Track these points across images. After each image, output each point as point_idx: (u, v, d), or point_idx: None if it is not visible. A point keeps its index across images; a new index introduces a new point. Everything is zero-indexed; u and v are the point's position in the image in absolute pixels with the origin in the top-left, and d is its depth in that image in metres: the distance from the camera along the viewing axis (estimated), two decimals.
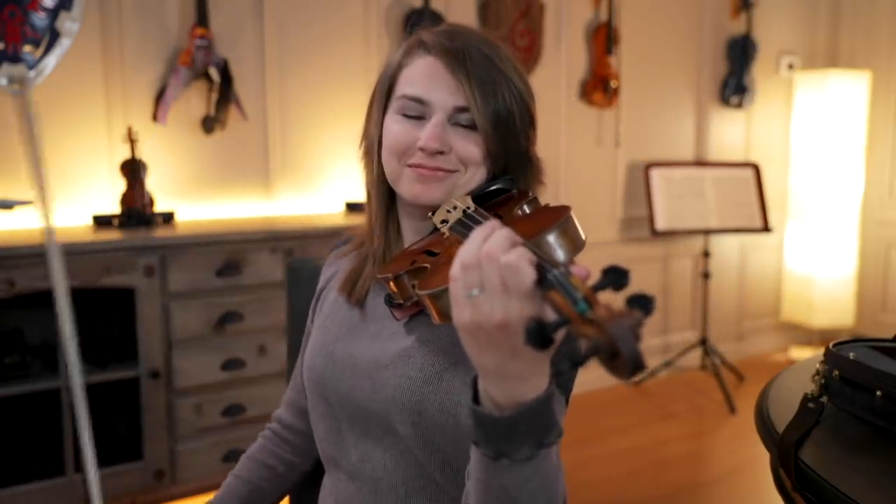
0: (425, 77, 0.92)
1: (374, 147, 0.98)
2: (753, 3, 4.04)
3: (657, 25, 3.89)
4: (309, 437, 1.10)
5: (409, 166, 0.92)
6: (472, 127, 0.92)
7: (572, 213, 0.80)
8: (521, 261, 0.62)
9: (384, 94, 0.97)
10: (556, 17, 3.59)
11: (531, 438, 0.67)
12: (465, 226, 0.85)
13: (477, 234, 0.65)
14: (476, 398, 0.70)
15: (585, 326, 0.55)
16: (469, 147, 0.92)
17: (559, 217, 0.78)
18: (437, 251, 0.86)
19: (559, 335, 0.59)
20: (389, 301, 0.93)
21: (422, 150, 0.91)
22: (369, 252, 1.01)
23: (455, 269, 0.65)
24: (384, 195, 0.99)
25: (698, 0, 4.00)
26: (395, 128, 0.94)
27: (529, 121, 0.95)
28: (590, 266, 0.63)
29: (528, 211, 0.88)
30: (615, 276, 0.58)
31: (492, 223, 0.67)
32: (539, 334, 0.56)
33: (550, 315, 0.61)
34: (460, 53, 0.91)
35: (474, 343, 0.65)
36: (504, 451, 0.68)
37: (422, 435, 0.91)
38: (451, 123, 0.92)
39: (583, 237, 0.79)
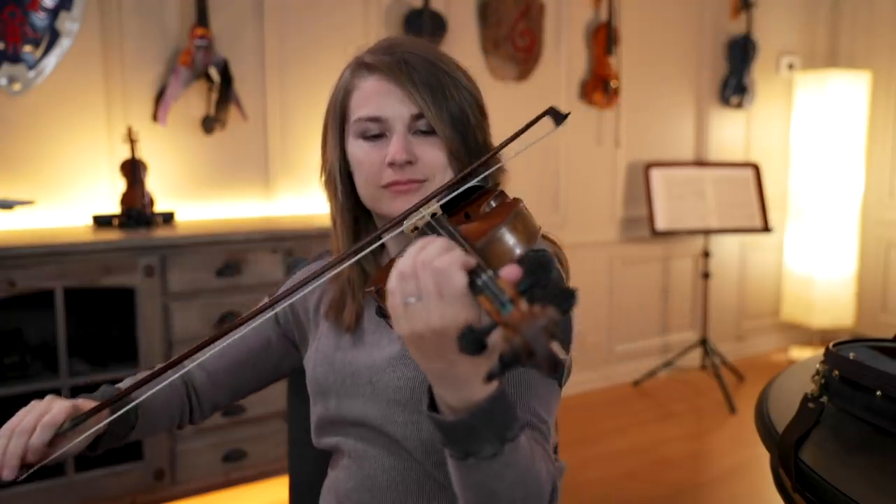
0: (375, 95, 0.94)
1: (336, 174, 1.00)
2: (753, 3, 4.04)
3: (657, 25, 3.89)
4: (209, 406, 1.16)
5: (384, 187, 0.94)
6: (431, 132, 0.93)
7: (522, 205, 0.82)
8: (451, 266, 0.63)
9: (338, 121, 0.99)
10: (556, 17, 3.59)
11: (492, 435, 0.70)
12: (433, 229, 0.85)
13: (416, 244, 0.67)
14: (434, 404, 0.72)
15: (506, 330, 0.56)
16: (433, 152, 0.94)
17: (509, 211, 0.80)
18: None
19: (493, 339, 0.59)
20: (381, 313, 0.94)
21: (391, 164, 0.92)
22: (348, 276, 1.02)
23: (392, 280, 0.67)
24: (349, 220, 1.01)
25: (698, 0, 4.00)
26: (359, 154, 0.96)
27: (482, 113, 0.98)
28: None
29: (494, 206, 0.90)
30: (539, 273, 0.60)
31: (433, 235, 0.69)
32: (469, 339, 0.57)
33: (486, 319, 0.62)
34: (402, 64, 0.93)
35: (418, 351, 0.67)
36: (469, 450, 0.70)
37: (420, 435, 0.93)
38: (411, 133, 0.93)
39: (536, 225, 0.82)
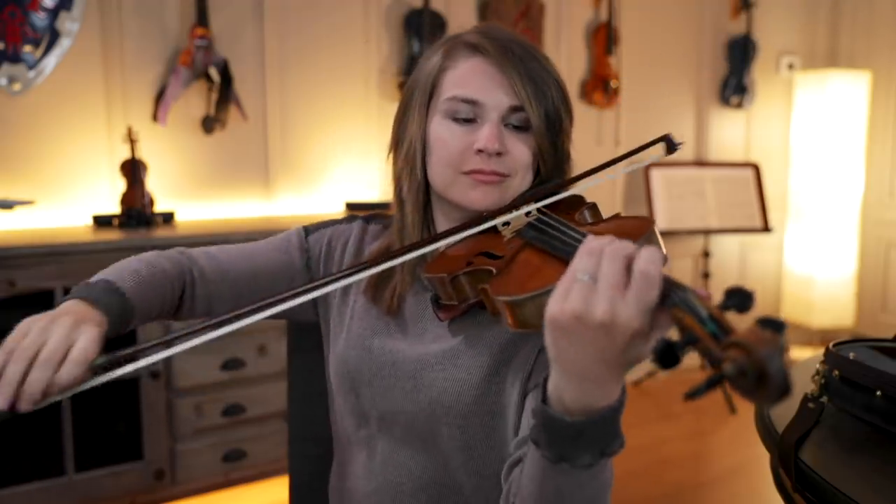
0: (475, 77, 0.89)
1: (418, 152, 0.93)
2: (753, 3, 4.04)
3: (657, 25, 3.89)
4: (203, 307, 0.99)
5: (465, 173, 0.89)
6: (523, 128, 0.90)
7: (655, 225, 0.78)
8: (658, 274, 0.59)
9: (427, 96, 0.93)
10: (556, 17, 3.59)
11: (595, 447, 0.66)
12: (538, 230, 0.82)
13: (604, 236, 0.64)
14: (544, 398, 0.68)
15: (726, 350, 0.53)
16: (522, 149, 0.90)
17: (647, 228, 0.75)
18: (500, 254, 0.83)
19: (685, 355, 0.57)
20: (436, 301, 0.90)
21: (480, 152, 0.88)
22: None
23: (576, 258, 0.63)
24: (422, 202, 0.96)
25: (698, 0, 4.00)
26: (445, 134, 0.90)
27: (570, 119, 0.95)
28: None
29: (588, 218, 0.87)
30: (740, 298, 0.57)
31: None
32: (668, 354, 0.55)
33: (661, 331, 0.60)
34: (509, 52, 0.89)
35: (564, 337, 0.61)
36: (566, 455, 0.66)
37: (465, 439, 0.89)
38: (503, 125, 0.89)
39: (664, 251, 0.77)
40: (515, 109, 0.89)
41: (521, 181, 0.91)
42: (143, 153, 2.65)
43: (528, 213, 0.85)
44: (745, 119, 4.28)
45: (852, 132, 4.16)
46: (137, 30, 2.68)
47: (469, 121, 0.90)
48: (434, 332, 0.93)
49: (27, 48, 2.50)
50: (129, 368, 0.79)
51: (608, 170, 0.91)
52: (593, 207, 0.90)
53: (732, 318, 0.57)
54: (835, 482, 0.88)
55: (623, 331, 0.59)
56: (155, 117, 2.71)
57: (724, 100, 4.14)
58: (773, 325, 0.53)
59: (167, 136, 2.75)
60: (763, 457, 1.06)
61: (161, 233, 2.45)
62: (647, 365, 3.95)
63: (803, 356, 3.86)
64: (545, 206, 0.87)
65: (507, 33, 0.92)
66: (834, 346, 1.12)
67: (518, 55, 0.89)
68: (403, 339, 0.95)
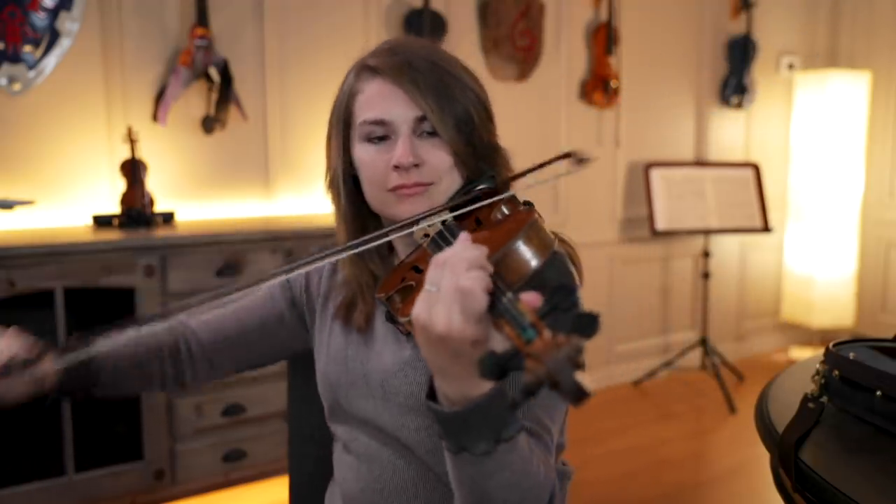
0: (379, 98, 0.92)
1: (339, 179, 0.98)
2: (753, 3, 4.04)
3: (657, 25, 3.89)
4: (206, 370, 1.11)
5: (391, 191, 0.93)
6: (436, 134, 0.92)
7: (537, 215, 0.80)
8: (476, 286, 0.64)
9: (342, 124, 0.97)
10: (556, 17, 3.58)
11: (487, 432, 0.70)
12: (436, 244, 0.85)
13: (460, 242, 0.70)
14: (433, 395, 0.74)
15: (528, 359, 0.55)
16: (439, 155, 0.92)
17: (525, 222, 0.78)
18: (423, 267, 0.85)
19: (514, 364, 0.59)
20: (390, 318, 0.93)
21: (396, 167, 0.91)
22: (357, 279, 1.01)
23: (430, 263, 0.69)
24: (357, 227, 0.99)
25: (698, 0, 4.00)
26: (365, 158, 0.94)
27: (486, 114, 0.96)
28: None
29: (506, 212, 0.88)
30: (560, 297, 0.59)
31: (463, 241, 0.70)
32: (493, 366, 0.57)
33: (497, 342, 0.64)
34: (405, 66, 0.91)
35: (421, 340, 0.69)
36: (463, 445, 0.71)
37: (432, 441, 0.93)
38: (416, 135, 0.92)
39: (551, 236, 0.80)
40: (422, 119, 0.91)
41: (450, 184, 0.93)
42: (143, 153, 2.65)
43: (444, 221, 0.87)
44: (745, 119, 4.28)
45: (852, 132, 4.16)
46: (137, 30, 2.68)
47: (384, 138, 0.93)
48: (397, 343, 0.99)
49: (27, 48, 2.50)
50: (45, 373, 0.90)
51: (515, 184, 0.93)
52: (511, 200, 0.89)
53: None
54: (835, 482, 0.88)
55: (460, 339, 0.65)
56: (155, 117, 2.71)
57: (724, 100, 4.14)
58: (583, 324, 0.55)
59: (167, 136, 2.75)
60: (763, 457, 1.06)
61: (161, 233, 2.45)
62: (646, 365, 3.95)
63: (803, 356, 3.86)
64: (457, 204, 0.89)
65: (408, 46, 0.95)
66: (834, 346, 1.12)
67: (416, 66, 0.91)
68: (373, 353, 1.01)
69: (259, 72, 2.91)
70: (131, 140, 2.59)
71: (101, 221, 2.56)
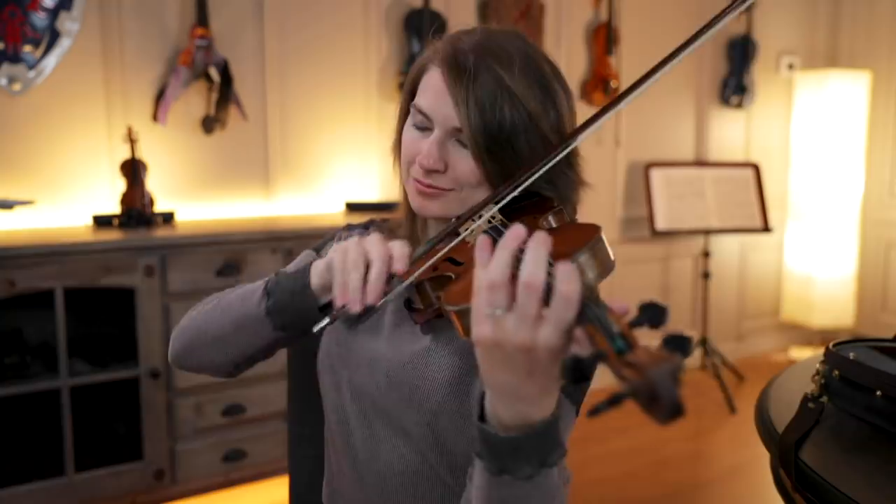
0: (431, 91, 0.90)
1: (398, 145, 0.97)
2: (753, 3, 4.04)
3: (657, 25, 3.89)
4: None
5: (414, 179, 0.92)
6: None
7: (602, 233, 0.76)
8: (576, 296, 0.59)
9: (407, 98, 0.96)
10: (556, 17, 3.59)
11: (534, 458, 0.67)
12: (492, 238, 0.82)
13: (503, 252, 0.62)
14: (482, 414, 0.69)
15: (624, 368, 0.53)
16: (468, 167, 0.89)
17: (590, 237, 0.74)
18: (462, 260, 0.84)
19: (594, 371, 0.58)
20: (409, 305, 0.92)
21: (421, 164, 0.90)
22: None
23: (480, 285, 0.63)
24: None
25: (698, 0, 4.00)
26: (405, 137, 0.94)
27: (540, 138, 0.90)
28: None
29: (553, 224, 0.86)
30: (653, 314, 0.57)
31: (515, 234, 0.64)
32: (576, 370, 0.56)
33: (582, 347, 0.60)
34: (465, 70, 0.86)
35: (489, 360, 0.63)
36: (506, 467, 0.67)
37: (435, 437, 0.91)
38: (451, 140, 0.90)
39: (612, 259, 0.77)
40: (459, 130, 0.88)
41: (471, 194, 0.91)
42: (143, 153, 2.65)
43: (490, 220, 0.86)
44: (745, 119, 4.28)
45: (852, 132, 4.16)
46: (137, 30, 2.68)
47: (425, 129, 0.92)
48: (409, 333, 0.95)
49: (27, 48, 2.50)
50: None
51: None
52: (559, 212, 0.88)
53: (646, 334, 0.58)
54: (835, 482, 0.88)
55: (545, 351, 0.60)
56: (155, 117, 2.71)
57: (724, 100, 4.14)
58: (678, 343, 0.53)
59: (167, 136, 2.75)
60: (763, 457, 1.07)
61: (161, 233, 2.45)
62: None
63: (803, 356, 3.86)
64: (510, 211, 0.86)
65: (476, 40, 0.90)
66: (834, 346, 1.12)
67: (476, 75, 0.86)
68: (382, 340, 0.97)
69: (259, 72, 2.91)
70: (131, 140, 2.59)
71: (101, 221, 2.56)
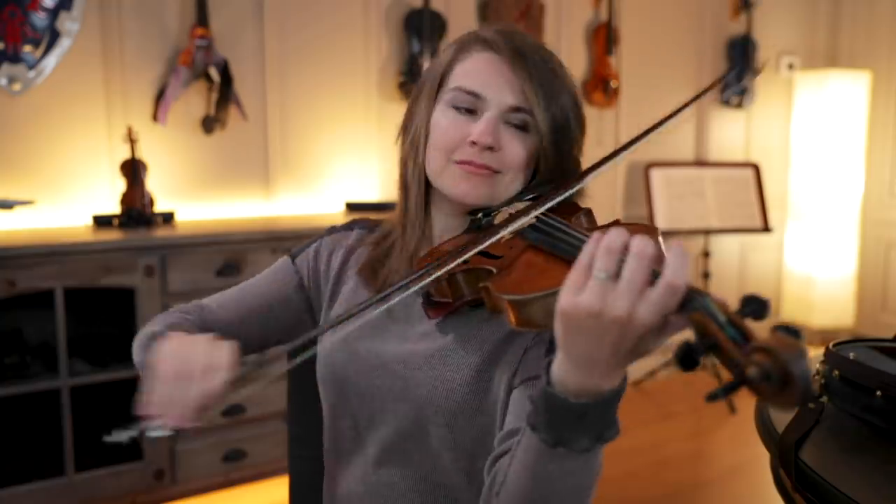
0: (484, 72, 0.90)
1: (422, 139, 0.94)
2: (753, 3, 4.04)
3: (657, 25, 3.89)
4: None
5: (457, 163, 0.90)
6: (522, 128, 0.90)
7: (660, 234, 0.78)
8: (683, 285, 0.60)
9: (435, 85, 0.95)
10: (556, 17, 3.59)
11: (593, 431, 0.68)
12: (541, 232, 0.81)
13: (618, 229, 0.64)
14: (549, 382, 0.69)
15: (751, 354, 0.54)
16: (517, 149, 0.90)
17: (654, 234, 0.75)
18: (498, 254, 0.83)
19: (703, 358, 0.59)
20: (428, 298, 0.91)
21: (473, 143, 0.89)
22: (398, 245, 0.98)
23: (593, 247, 0.63)
24: (424, 186, 0.96)
25: (698, 0, 4.00)
26: (443, 122, 0.92)
27: (580, 125, 0.94)
28: None
29: (585, 224, 0.86)
30: (756, 306, 0.59)
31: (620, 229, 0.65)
32: (689, 358, 0.57)
33: (675, 330, 0.62)
34: (523, 53, 0.89)
35: (576, 328, 0.63)
36: (564, 438, 0.68)
37: (454, 437, 0.89)
38: (502, 122, 0.90)
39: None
40: (517, 110, 0.89)
41: (513, 180, 0.91)
42: (143, 153, 2.65)
43: (538, 217, 0.85)
44: (745, 119, 4.28)
45: (852, 132, 4.16)
46: (137, 30, 2.68)
47: (470, 111, 0.91)
48: (422, 330, 0.93)
49: (27, 48, 2.50)
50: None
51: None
52: (589, 213, 0.89)
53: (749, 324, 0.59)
54: (835, 482, 0.88)
55: (637, 328, 0.61)
56: (155, 117, 2.71)
57: (724, 100, 4.14)
58: (791, 332, 0.55)
59: (167, 136, 2.75)
60: (763, 457, 1.06)
61: (161, 233, 2.45)
62: (647, 365, 3.95)
63: None
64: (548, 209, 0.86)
65: (527, 39, 0.93)
66: (834, 346, 1.12)
67: (533, 59, 0.90)
68: (391, 339, 0.94)
69: (259, 72, 2.91)
70: (131, 140, 2.59)
71: (101, 221, 2.56)
